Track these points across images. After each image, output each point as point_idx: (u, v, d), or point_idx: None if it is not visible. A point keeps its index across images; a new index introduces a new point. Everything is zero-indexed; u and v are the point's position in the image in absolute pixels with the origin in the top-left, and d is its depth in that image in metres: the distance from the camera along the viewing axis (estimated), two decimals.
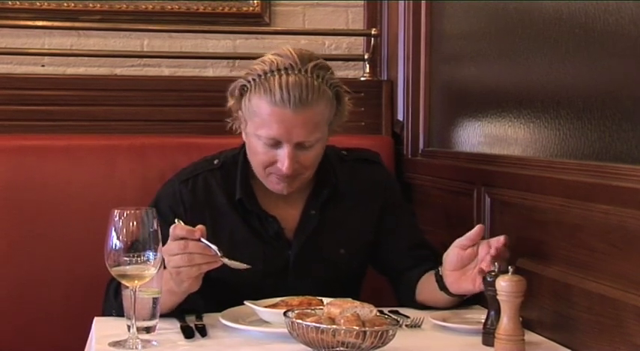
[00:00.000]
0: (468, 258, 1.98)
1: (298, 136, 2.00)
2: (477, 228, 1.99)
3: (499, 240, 1.92)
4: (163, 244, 1.81)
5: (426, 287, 2.10)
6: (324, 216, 2.16)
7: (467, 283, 1.97)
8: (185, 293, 1.92)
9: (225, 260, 1.85)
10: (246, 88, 2.05)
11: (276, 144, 2.02)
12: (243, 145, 2.17)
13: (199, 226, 1.85)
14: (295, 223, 2.15)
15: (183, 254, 1.83)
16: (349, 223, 2.19)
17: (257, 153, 2.05)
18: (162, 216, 1.85)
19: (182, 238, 1.83)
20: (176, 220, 1.89)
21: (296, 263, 2.13)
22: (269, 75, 2.01)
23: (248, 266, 1.88)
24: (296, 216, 2.15)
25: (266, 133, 2.01)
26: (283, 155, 2.01)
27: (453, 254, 1.99)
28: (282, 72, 2.00)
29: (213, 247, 1.84)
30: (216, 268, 1.86)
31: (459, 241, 1.99)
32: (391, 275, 2.24)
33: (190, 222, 1.89)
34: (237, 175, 2.14)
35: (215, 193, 2.14)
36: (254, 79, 2.03)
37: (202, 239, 1.84)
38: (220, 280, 2.03)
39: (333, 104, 2.07)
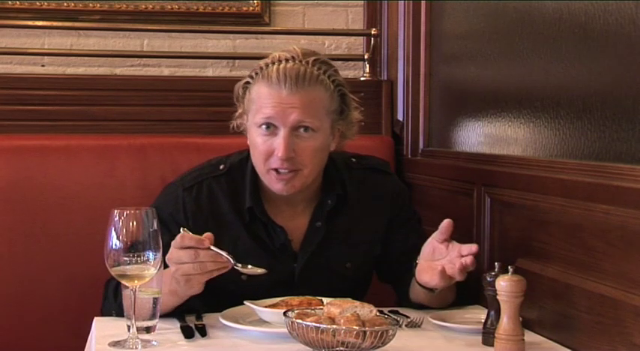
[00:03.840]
0: (438, 252, 1.99)
1: (293, 118, 1.99)
2: (445, 222, 1.99)
3: (470, 248, 1.92)
4: (163, 250, 1.80)
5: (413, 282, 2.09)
6: (331, 227, 2.13)
7: (426, 274, 1.98)
8: (189, 296, 1.92)
9: (240, 268, 1.85)
10: (248, 84, 2.06)
11: (273, 131, 2.01)
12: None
13: (207, 234, 1.83)
14: (302, 235, 2.12)
15: (194, 263, 1.81)
16: (357, 235, 2.16)
17: (257, 145, 2.04)
18: (162, 222, 1.83)
19: (190, 247, 1.82)
20: (182, 229, 1.87)
21: (302, 275, 2.11)
22: (270, 66, 2.03)
23: (264, 271, 1.87)
24: (303, 227, 2.13)
25: (262, 115, 2.01)
26: (279, 140, 2.00)
27: (428, 245, 2.02)
28: (283, 62, 2.02)
29: (224, 254, 1.82)
30: (227, 271, 1.85)
31: (434, 234, 2.01)
32: (395, 283, 2.22)
33: (193, 230, 1.87)
34: (247, 183, 2.10)
35: (220, 201, 2.10)
36: (256, 73, 2.05)
37: (212, 247, 1.82)
38: (225, 291, 1.99)
39: (334, 97, 2.06)
